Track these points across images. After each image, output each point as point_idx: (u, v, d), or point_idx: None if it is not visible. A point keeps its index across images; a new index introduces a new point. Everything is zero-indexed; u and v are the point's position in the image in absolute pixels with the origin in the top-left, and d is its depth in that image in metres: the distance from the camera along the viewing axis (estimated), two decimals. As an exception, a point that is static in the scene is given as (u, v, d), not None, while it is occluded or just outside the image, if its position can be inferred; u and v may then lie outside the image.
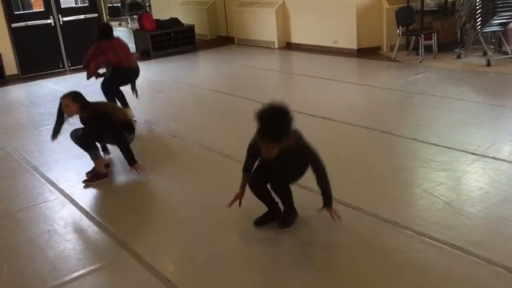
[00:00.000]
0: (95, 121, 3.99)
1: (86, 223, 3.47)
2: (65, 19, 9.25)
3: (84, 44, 9.19)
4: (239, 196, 3.17)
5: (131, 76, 5.77)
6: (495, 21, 6.84)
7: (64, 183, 4.14)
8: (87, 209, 3.66)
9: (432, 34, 7.60)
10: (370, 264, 2.74)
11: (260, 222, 3.18)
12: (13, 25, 8.76)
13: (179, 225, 3.34)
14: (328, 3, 8.65)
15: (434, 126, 4.76)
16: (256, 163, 3.09)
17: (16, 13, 8.87)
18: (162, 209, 3.67)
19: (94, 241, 3.23)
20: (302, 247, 2.94)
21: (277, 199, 3.17)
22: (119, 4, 14.94)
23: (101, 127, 4.04)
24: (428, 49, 7.62)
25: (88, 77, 5.62)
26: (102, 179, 4.13)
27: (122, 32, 13.14)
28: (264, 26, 9.81)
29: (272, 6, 9.58)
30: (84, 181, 4.10)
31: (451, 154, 4.05)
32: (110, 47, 5.50)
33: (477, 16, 6.94)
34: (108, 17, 10.42)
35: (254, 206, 3.23)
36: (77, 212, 3.64)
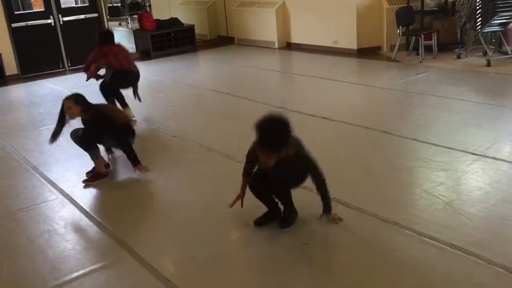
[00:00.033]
0: (96, 122, 4.01)
1: (86, 223, 3.48)
2: (65, 19, 9.25)
3: (84, 44, 9.27)
4: (240, 197, 3.20)
5: (131, 79, 5.80)
6: (495, 21, 6.84)
7: (64, 183, 4.14)
8: (87, 209, 3.66)
9: (432, 34, 7.60)
10: (370, 264, 2.74)
11: (260, 222, 3.18)
12: (13, 25, 8.76)
13: (179, 225, 3.34)
14: (328, 3, 8.65)
15: (434, 126, 4.76)
16: (256, 167, 3.11)
17: (16, 13, 8.87)
18: (162, 209, 3.67)
19: (94, 241, 3.23)
20: (302, 247, 2.94)
21: (277, 200, 3.17)
22: (119, 4, 14.94)
23: (102, 128, 4.05)
24: (428, 49, 7.62)
25: (88, 79, 5.64)
26: (102, 179, 4.13)
27: (122, 32, 13.15)
28: (264, 26, 9.81)
29: (272, 6, 9.59)
30: (84, 181, 4.10)
31: (451, 154, 4.05)
32: (110, 51, 5.58)
33: (477, 16, 6.94)
34: (108, 17, 10.40)
35: (254, 206, 3.23)
36: (77, 212, 3.64)
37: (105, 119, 4.04)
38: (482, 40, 7.11)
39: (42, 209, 3.72)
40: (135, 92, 5.91)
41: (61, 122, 4.10)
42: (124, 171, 4.39)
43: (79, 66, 9.12)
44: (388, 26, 8.17)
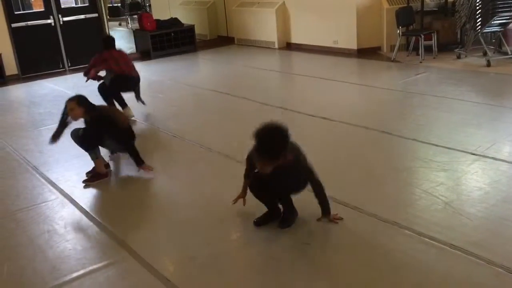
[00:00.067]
0: (97, 122, 4.02)
1: (86, 223, 3.48)
2: (65, 19, 9.25)
3: (84, 44, 9.29)
4: (242, 196, 3.25)
5: (131, 84, 5.83)
6: (495, 22, 6.85)
7: (64, 183, 4.14)
8: (87, 209, 3.66)
9: (432, 34, 7.60)
10: (370, 264, 2.74)
11: (260, 222, 3.18)
12: (13, 25, 8.76)
13: (179, 225, 3.35)
14: (328, 3, 8.65)
15: (434, 126, 4.76)
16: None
17: (16, 13, 8.87)
18: (162, 209, 3.67)
19: (94, 241, 3.22)
20: (302, 247, 2.94)
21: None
22: (119, 4, 14.94)
23: (103, 129, 4.05)
24: (428, 49, 7.63)
25: (87, 80, 5.67)
26: (102, 179, 4.13)
27: (122, 32, 13.16)
28: (264, 26, 9.81)
29: (272, 6, 9.59)
30: (84, 181, 4.10)
31: (451, 154, 4.05)
32: (111, 57, 5.62)
33: (477, 17, 6.94)
34: (108, 17, 10.40)
35: (254, 206, 3.24)
36: (77, 212, 3.64)
37: (106, 119, 4.05)
38: (482, 41, 7.11)
39: (42, 209, 3.73)
40: (138, 97, 5.96)
41: (63, 123, 4.13)
42: (124, 171, 4.39)
43: (79, 66, 9.16)
44: (388, 26, 8.18)
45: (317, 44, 9.08)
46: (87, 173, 4.21)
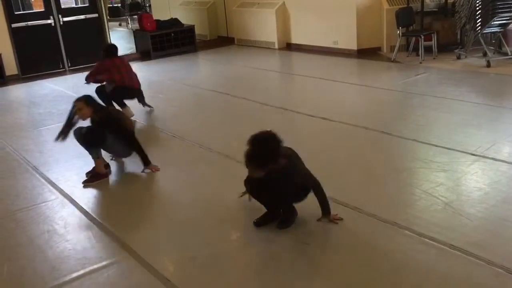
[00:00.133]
0: (105, 122, 4.07)
1: (86, 223, 3.48)
2: (65, 19, 9.25)
3: (84, 45, 9.30)
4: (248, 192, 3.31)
5: (131, 95, 5.88)
6: (495, 22, 6.85)
7: (64, 183, 4.14)
8: (87, 209, 3.66)
9: (432, 35, 7.60)
10: (370, 264, 2.74)
11: (260, 222, 3.19)
12: (13, 25, 8.76)
13: (179, 225, 3.35)
14: (328, 3, 8.66)
15: (434, 127, 4.76)
16: None
17: (16, 13, 8.87)
18: (162, 209, 3.67)
19: (94, 241, 3.22)
20: (302, 247, 2.94)
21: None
22: (119, 5, 14.94)
23: (110, 128, 4.09)
24: (428, 50, 7.63)
25: (87, 84, 5.72)
26: (101, 179, 4.13)
27: (122, 32, 13.17)
28: (264, 26, 9.81)
29: (272, 7, 9.59)
30: (83, 182, 4.10)
31: (451, 155, 4.06)
32: (113, 65, 5.64)
33: (477, 17, 6.94)
34: (108, 17, 10.40)
35: (254, 206, 3.24)
36: (77, 212, 3.64)
37: (114, 120, 4.14)
38: (482, 41, 7.11)
39: (42, 209, 3.73)
40: (143, 103, 6.00)
41: (70, 122, 4.14)
42: (124, 172, 4.39)
43: (79, 67, 9.18)
44: (388, 27, 8.18)
45: (317, 45, 9.08)
46: (87, 173, 4.21)
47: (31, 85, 8.35)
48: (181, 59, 9.57)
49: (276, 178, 2.96)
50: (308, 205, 3.20)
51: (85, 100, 4.11)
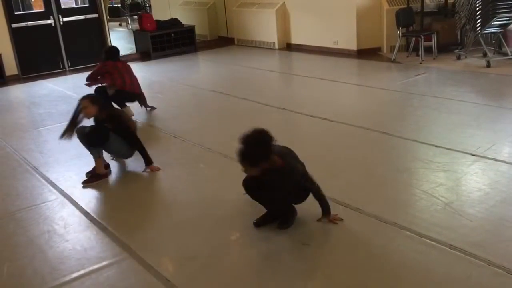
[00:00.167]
0: (111, 121, 4.10)
1: (86, 223, 3.48)
2: (65, 19, 9.25)
3: (84, 45, 9.30)
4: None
5: (132, 99, 5.90)
6: (495, 23, 6.85)
7: (64, 184, 4.15)
8: (87, 210, 3.66)
9: (432, 35, 7.60)
10: (370, 265, 2.74)
11: (260, 223, 3.19)
12: (14, 25, 8.76)
13: (179, 225, 3.35)
14: (328, 4, 8.66)
15: (434, 127, 4.77)
16: None
17: (16, 13, 8.87)
18: (162, 209, 3.68)
19: (94, 242, 3.22)
20: (302, 248, 2.94)
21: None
22: (119, 5, 14.94)
23: (115, 128, 4.10)
24: (428, 50, 7.63)
25: (88, 84, 5.72)
26: (101, 180, 4.13)
27: (122, 32, 13.17)
28: (264, 27, 9.82)
29: (272, 7, 9.59)
30: (83, 182, 4.10)
31: (451, 155, 4.06)
32: (115, 68, 5.64)
33: (477, 17, 6.95)
34: (108, 17, 10.40)
35: (254, 206, 3.24)
36: (77, 213, 3.64)
37: (119, 120, 4.18)
38: (482, 41, 7.11)
39: (42, 209, 3.73)
40: (145, 105, 6.02)
41: (74, 121, 4.16)
42: (124, 172, 4.39)
43: (79, 67, 9.18)
44: (388, 27, 8.18)
45: (317, 45, 9.09)
46: (87, 173, 4.21)
47: (31, 85, 8.35)
48: (181, 60, 9.57)
49: (272, 177, 2.96)
50: (308, 206, 3.20)
51: (91, 98, 4.14)
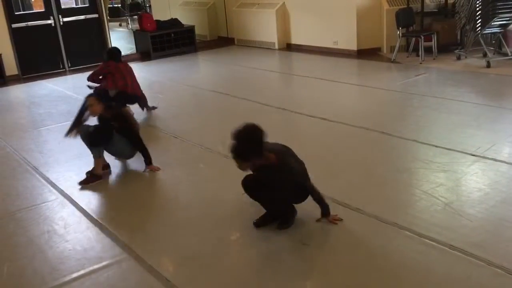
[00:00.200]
0: (116, 120, 4.11)
1: (85, 223, 3.48)
2: (65, 19, 9.25)
3: (84, 45, 9.30)
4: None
5: (133, 101, 5.90)
6: (495, 23, 6.85)
7: (64, 184, 4.14)
8: (87, 210, 3.66)
9: (432, 35, 7.60)
10: (370, 265, 2.74)
11: (260, 223, 3.19)
12: (14, 25, 8.76)
13: (179, 225, 3.35)
14: (328, 4, 8.66)
15: (434, 127, 4.77)
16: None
17: (16, 13, 8.87)
18: (162, 209, 3.68)
19: (94, 242, 3.22)
20: (302, 248, 2.94)
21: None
22: (120, 5, 14.94)
23: (120, 126, 4.11)
24: (428, 50, 7.63)
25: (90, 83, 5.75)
26: (97, 181, 4.10)
27: (123, 33, 13.16)
28: (264, 27, 9.82)
29: (272, 7, 9.59)
30: (80, 182, 4.07)
31: (451, 155, 4.06)
32: (117, 70, 5.65)
33: (477, 18, 6.95)
34: (108, 17, 10.41)
35: (254, 207, 3.24)
36: (77, 213, 3.64)
37: (125, 120, 4.19)
38: (482, 42, 7.11)
39: (42, 209, 3.73)
40: (147, 107, 6.02)
41: (79, 119, 4.16)
42: (124, 172, 4.39)
43: (79, 67, 9.18)
44: (388, 27, 8.18)
45: (317, 45, 9.09)
46: (87, 173, 4.20)
47: (31, 85, 8.35)
48: (181, 60, 9.57)
49: (267, 174, 2.96)
50: (308, 206, 3.20)
51: (97, 96, 4.16)
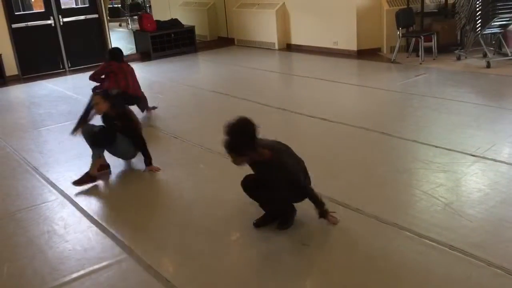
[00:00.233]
0: (123, 118, 4.12)
1: (85, 223, 3.48)
2: (65, 19, 9.25)
3: (84, 45, 9.30)
4: None
5: (133, 102, 5.88)
6: (495, 23, 6.85)
7: (64, 184, 4.14)
8: (87, 210, 3.66)
9: (432, 35, 7.61)
10: (370, 265, 2.74)
11: (260, 223, 3.19)
12: (14, 25, 8.76)
13: (179, 225, 3.35)
14: (328, 4, 8.66)
15: (434, 127, 4.77)
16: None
17: (16, 13, 8.87)
18: (162, 209, 3.68)
19: (94, 242, 3.22)
20: (301, 248, 2.95)
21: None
22: (120, 5, 14.94)
23: (123, 126, 4.12)
24: (428, 50, 7.64)
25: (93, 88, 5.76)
26: (91, 183, 4.06)
27: (123, 33, 13.16)
28: (264, 27, 9.82)
29: (272, 7, 9.59)
30: (73, 182, 4.01)
31: (451, 155, 4.06)
32: (120, 69, 5.66)
33: (477, 18, 6.95)
34: (108, 18, 10.41)
35: (254, 207, 3.24)
36: (77, 213, 3.64)
37: (129, 119, 4.20)
38: (482, 42, 7.12)
39: (42, 209, 3.73)
40: (147, 108, 6.02)
41: (85, 117, 4.16)
42: (124, 172, 4.39)
43: (80, 67, 9.18)
44: (388, 28, 8.18)
45: (317, 45, 9.09)
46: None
47: (31, 85, 8.35)
48: (181, 60, 9.57)
49: (262, 170, 2.95)
50: (308, 206, 3.19)
51: (103, 95, 4.17)
